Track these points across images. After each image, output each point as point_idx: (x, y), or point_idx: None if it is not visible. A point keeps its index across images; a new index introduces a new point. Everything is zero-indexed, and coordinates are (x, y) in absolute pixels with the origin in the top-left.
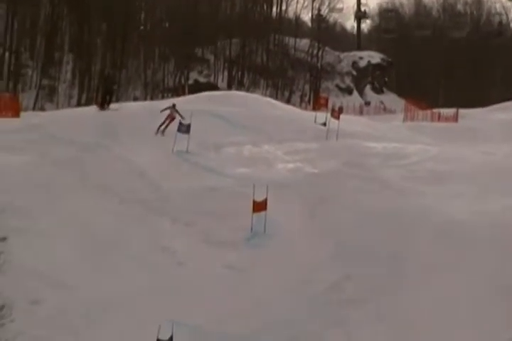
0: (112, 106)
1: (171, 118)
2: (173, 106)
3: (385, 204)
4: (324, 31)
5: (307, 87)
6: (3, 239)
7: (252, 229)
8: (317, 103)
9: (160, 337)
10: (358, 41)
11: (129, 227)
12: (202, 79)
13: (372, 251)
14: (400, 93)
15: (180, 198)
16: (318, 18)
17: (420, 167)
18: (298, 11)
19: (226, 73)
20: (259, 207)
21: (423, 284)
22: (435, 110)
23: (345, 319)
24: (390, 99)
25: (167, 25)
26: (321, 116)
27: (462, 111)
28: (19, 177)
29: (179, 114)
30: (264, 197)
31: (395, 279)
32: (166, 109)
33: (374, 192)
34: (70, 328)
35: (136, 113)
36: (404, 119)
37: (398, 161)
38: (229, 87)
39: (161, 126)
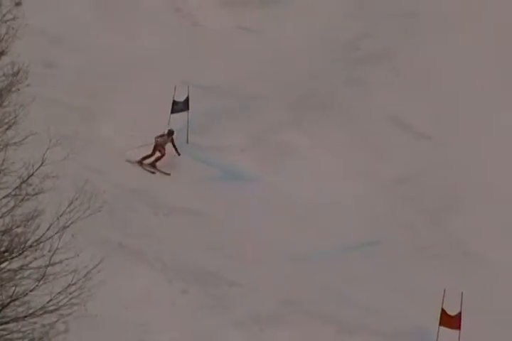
0: None
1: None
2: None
3: None
4: None
5: None
6: (19, 3)
7: None
8: None
9: (176, 99)
10: None
11: None
12: None
13: (390, 10)
14: None
15: None
16: None
17: None
18: None
19: None
20: None
21: (439, 43)
22: None
23: (363, 76)
24: None
25: None
26: None
27: None
28: None
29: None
30: None
31: (411, 37)
32: None
33: None
34: (86, 91)
35: None
36: None
37: None
38: None
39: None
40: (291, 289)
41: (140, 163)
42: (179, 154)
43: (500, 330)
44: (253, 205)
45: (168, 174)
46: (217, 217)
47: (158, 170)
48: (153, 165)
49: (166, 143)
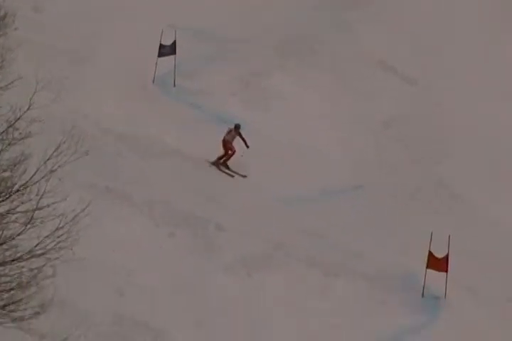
0: None
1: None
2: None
3: None
4: None
5: None
6: None
7: None
8: None
9: (163, 42)
10: None
11: None
12: None
13: None
14: None
15: None
16: None
17: None
18: None
19: None
20: None
21: None
22: None
23: (349, 20)
24: None
25: None
26: None
27: None
28: None
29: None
30: None
31: None
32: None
33: None
34: (73, 36)
35: None
36: None
37: None
38: None
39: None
40: (279, 233)
41: (216, 164)
42: (248, 146)
43: (486, 272)
44: (241, 149)
45: (245, 176)
46: (204, 160)
47: (235, 173)
48: (225, 164)
49: (233, 139)
